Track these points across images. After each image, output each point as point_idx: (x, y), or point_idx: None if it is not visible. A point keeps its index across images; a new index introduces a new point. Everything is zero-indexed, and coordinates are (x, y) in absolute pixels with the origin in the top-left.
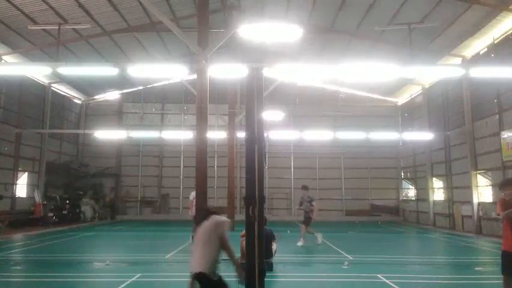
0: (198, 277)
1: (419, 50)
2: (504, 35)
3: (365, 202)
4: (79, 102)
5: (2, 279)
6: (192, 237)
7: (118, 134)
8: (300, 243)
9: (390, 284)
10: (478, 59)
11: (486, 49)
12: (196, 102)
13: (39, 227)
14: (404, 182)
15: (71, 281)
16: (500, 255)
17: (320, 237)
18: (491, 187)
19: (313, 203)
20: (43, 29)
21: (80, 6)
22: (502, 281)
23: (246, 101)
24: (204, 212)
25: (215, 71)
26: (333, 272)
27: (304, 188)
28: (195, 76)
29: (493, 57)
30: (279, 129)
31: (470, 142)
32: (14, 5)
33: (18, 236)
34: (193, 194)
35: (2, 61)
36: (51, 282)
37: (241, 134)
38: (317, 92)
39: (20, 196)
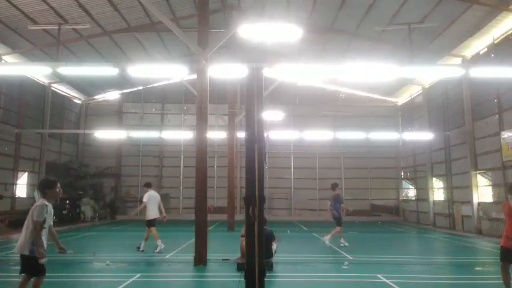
0: None
1: (419, 50)
2: (504, 35)
3: (365, 202)
4: (79, 102)
5: (2, 279)
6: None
7: (118, 134)
8: (343, 242)
9: (390, 284)
10: (478, 59)
11: (486, 49)
12: (196, 102)
13: None
14: (404, 182)
15: (71, 281)
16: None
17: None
18: (491, 187)
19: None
20: (43, 29)
21: (80, 6)
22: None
23: (246, 101)
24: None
25: (215, 71)
26: (333, 272)
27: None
28: (195, 76)
29: (493, 57)
30: (279, 129)
31: (470, 142)
32: (14, 5)
33: (18, 236)
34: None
35: (2, 61)
36: (51, 282)
37: (241, 134)
38: (317, 92)
39: (20, 196)
